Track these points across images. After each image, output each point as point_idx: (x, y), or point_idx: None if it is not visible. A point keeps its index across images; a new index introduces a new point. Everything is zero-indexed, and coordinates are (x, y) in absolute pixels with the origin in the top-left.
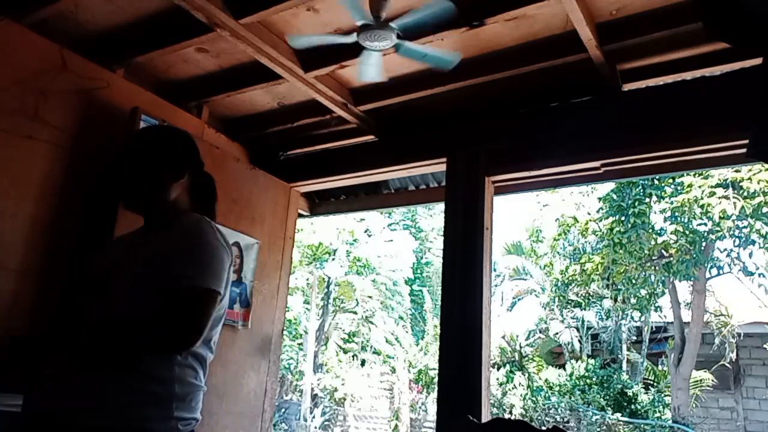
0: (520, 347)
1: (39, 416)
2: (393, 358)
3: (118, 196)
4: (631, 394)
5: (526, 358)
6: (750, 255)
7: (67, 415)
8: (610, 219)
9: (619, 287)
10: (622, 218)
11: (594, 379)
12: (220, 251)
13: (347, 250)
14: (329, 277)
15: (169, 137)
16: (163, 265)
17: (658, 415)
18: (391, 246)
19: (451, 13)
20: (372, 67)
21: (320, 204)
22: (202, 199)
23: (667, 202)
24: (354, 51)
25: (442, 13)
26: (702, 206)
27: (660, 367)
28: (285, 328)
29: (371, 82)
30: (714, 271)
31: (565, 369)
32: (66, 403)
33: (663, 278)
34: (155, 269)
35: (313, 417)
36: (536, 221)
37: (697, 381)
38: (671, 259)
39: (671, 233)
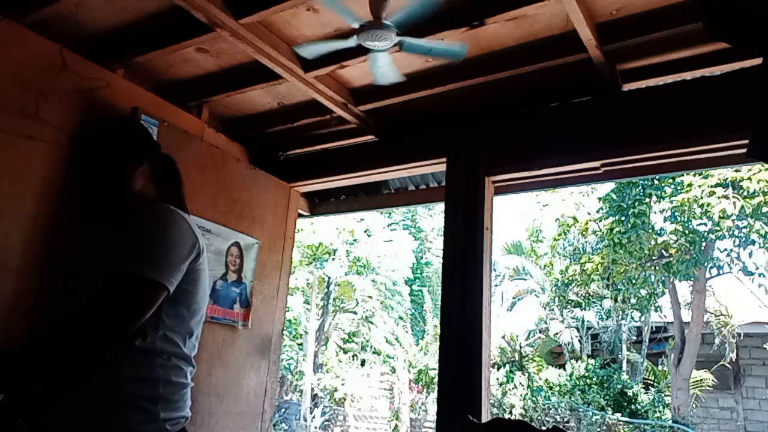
0: (520, 347)
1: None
2: (393, 358)
3: (91, 203)
4: (631, 394)
5: (526, 358)
6: (750, 255)
7: (52, 425)
8: (610, 219)
9: (619, 287)
10: (622, 218)
11: (594, 379)
12: (179, 242)
13: (347, 250)
14: (329, 277)
15: (116, 129)
16: (121, 256)
17: (658, 415)
18: (390, 246)
19: (437, 5)
20: (385, 68)
21: (320, 204)
22: (166, 182)
23: (667, 202)
24: (354, 51)
25: (431, 4)
26: (702, 206)
27: (660, 367)
28: (285, 328)
29: (390, 83)
30: (714, 271)
31: (565, 369)
32: (51, 414)
33: (663, 278)
34: (115, 261)
35: (313, 417)
36: (536, 221)
37: (697, 381)
38: (671, 259)
39: (671, 233)
